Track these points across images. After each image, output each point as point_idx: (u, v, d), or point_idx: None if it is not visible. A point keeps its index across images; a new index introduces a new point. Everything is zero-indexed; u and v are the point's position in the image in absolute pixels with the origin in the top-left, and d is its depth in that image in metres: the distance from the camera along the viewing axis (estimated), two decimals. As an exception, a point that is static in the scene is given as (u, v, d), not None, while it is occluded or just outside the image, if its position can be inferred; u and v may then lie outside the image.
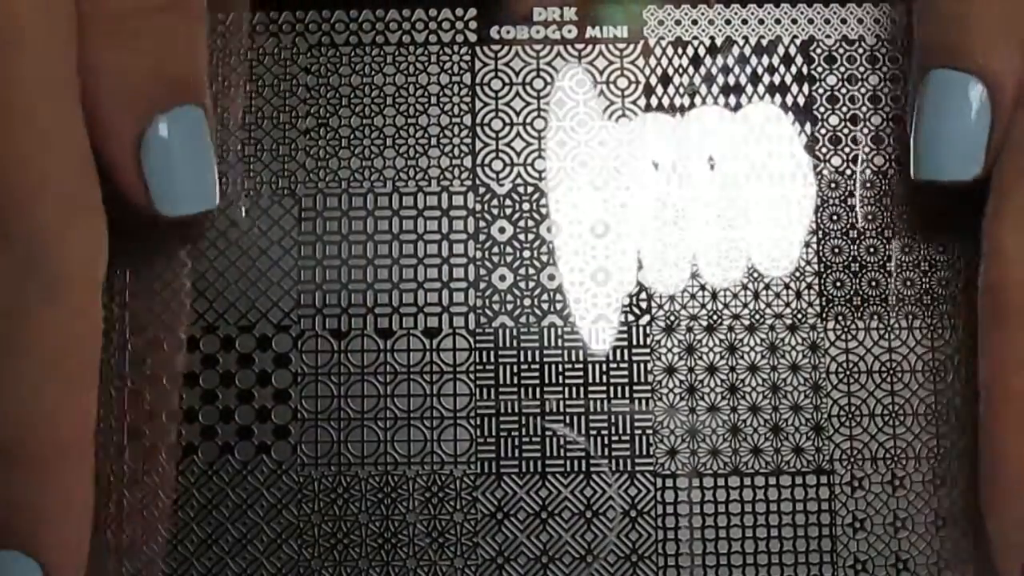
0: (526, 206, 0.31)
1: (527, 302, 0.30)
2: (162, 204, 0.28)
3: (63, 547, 0.26)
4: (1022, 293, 0.28)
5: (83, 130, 0.27)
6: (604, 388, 0.30)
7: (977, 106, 0.28)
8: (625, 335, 0.30)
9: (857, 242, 0.31)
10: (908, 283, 0.31)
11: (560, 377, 0.30)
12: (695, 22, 0.31)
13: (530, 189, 0.31)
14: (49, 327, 0.26)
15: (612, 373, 0.30)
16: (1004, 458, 0.28)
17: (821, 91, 0.31)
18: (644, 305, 0.30)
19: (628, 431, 0.30)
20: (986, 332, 0.28)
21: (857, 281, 0.31)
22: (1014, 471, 0.28)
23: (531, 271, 0.30)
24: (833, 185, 0.31)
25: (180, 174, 0.28)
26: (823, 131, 0.31)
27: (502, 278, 0.31)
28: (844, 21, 0.31)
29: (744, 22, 0.31)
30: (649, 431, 0.30)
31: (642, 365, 0.30)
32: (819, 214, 0.31)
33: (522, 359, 0.30)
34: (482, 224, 0.31)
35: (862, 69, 0.31)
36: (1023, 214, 0.28)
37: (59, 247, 0.26)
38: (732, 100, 0.31)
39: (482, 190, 0.31)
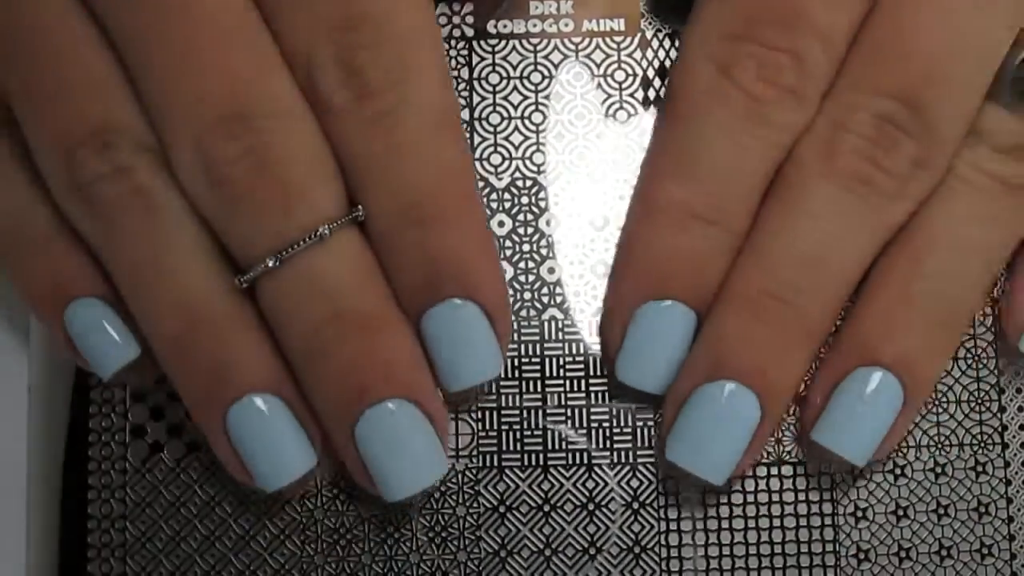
0: (525, 200, 0.31)
1: (527, 296, 0.30)
2: None
3: (495, 285, 0.28)
4: None
5: None
6: (605, 381, 0.30)
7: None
8: (625, 327, 0.30)
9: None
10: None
11: (561, 370, 0.30)
12: (692, 14, 0.31)
13: (529, 183, 0.31)
14: (414, 99, 0.27)
15: (613, 365, 0.30)
16: None
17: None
18: (644, 297, 0.30)
19: (630, 423, 0.30)
20: None
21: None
22: None
23: (531, 264, 0.31)
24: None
25: None
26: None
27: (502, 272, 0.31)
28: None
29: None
30: (651, 423, 0.30)
31: (643, 357, 0.30)
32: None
33: (523, 353, 0.30)
34: (481, 218, 0.31)
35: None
36: None
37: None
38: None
39: (481, 184, 0.31)
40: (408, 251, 0.28)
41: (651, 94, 0.31)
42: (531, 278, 0.30)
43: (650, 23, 0.31)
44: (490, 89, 0.31)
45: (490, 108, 0.31)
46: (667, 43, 0.31)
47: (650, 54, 0.31)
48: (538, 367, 0.30)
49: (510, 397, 0.30)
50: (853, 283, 0.29)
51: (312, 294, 0.27)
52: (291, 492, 0.30)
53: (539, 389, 0.30)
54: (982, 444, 0.30)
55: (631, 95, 0.31)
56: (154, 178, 0.27)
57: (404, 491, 0.28)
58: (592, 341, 0.30)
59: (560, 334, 0.30)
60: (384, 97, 0.27)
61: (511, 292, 0.30)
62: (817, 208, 0.28)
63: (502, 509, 0.30)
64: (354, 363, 0.27)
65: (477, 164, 0.31)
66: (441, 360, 0.28)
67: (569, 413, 0.30)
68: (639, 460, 0.30)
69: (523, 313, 0.30)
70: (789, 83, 0.28)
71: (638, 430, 0.30)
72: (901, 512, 0.30)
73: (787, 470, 0.30)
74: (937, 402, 0.30)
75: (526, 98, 0.31)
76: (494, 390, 0.30)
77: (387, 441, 0.27)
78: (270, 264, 0.27)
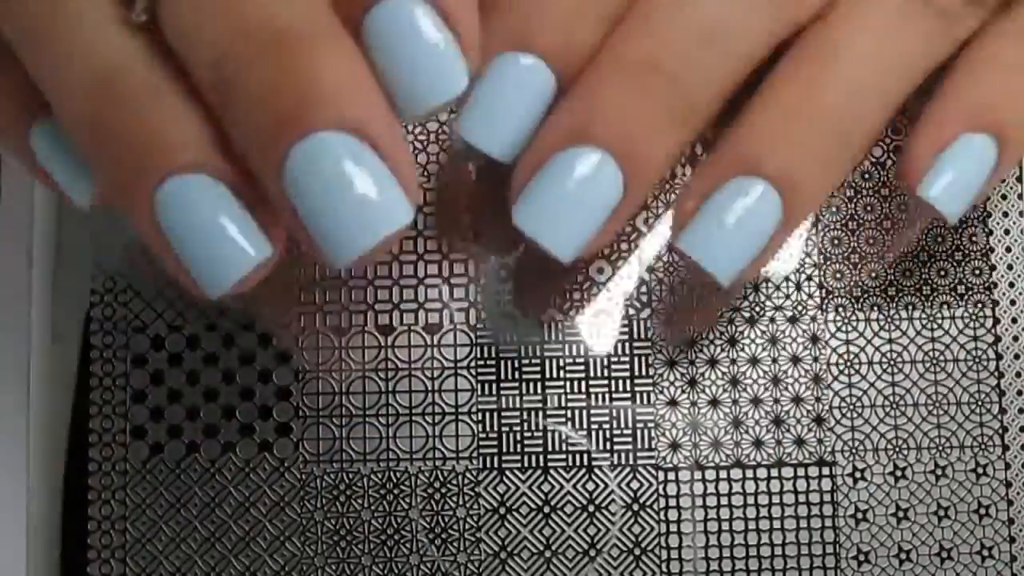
0: (525, 201, 0.31)
1: (527, 297, 0.30)
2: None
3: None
4: None
5: None
6: (605, 382, 0.30)
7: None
8: (626, 329, 0.30)
9: (856, 233, 0.31)
10: (907, 273, 0.31)
11: (561, 372, 0.30)
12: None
13: (529, 184, 0.31)
14: None
15: (613, 367, 0.30)
16: None
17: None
18: (645, 299, 0.30)
19: (630, 425, 0.30)
20: None
21: (857, 272, 0.31)
22: None
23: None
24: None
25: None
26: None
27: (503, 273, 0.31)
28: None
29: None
30: (651, 424, 0.30)
31: (643, 359, 0.30)
32: (818, 206, 0.31)
33: (523, 354, 0.30)
34: (482, 220, 0.31)
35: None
36: None
37: None
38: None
39: (481, 186, 0.31)
40: None
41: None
42: (531, 279, 0.30)
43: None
44: (490, 90, 0.31)
45: (490, 109, 0.31)
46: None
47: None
48: (538, 368, 0.30)
49: (510, 398, 0.30)
50: (746, 73, 0.26)
51: (213, 9, 0.22)
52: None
53: (539, 390, 0.30)
54: (982, 446, 0.30)
55: (632, 96, 0.31)
56: None
57: (352, 248, 0.22)
58: (592, 343, 0.30)
59: (560, 335, 0.30)
60: None
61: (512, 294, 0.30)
62: None
63: (502, 510, 0.30)
64: (270, 89, 0.21)
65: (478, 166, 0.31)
66: (390, 75, 0.23)
67: (569, 414, 0.30)
68: (639, 462, 0.30)
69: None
70: None
71: (638, 431, 0.30)
72: (901, 514, 0.30)
73: (787, 472, 0.30)
74: (937, 404, 0.30)
75: (526, 99, 0.31)
76: (494, 392, 0.30)
77: (323, 184, 0.22)
78: None
